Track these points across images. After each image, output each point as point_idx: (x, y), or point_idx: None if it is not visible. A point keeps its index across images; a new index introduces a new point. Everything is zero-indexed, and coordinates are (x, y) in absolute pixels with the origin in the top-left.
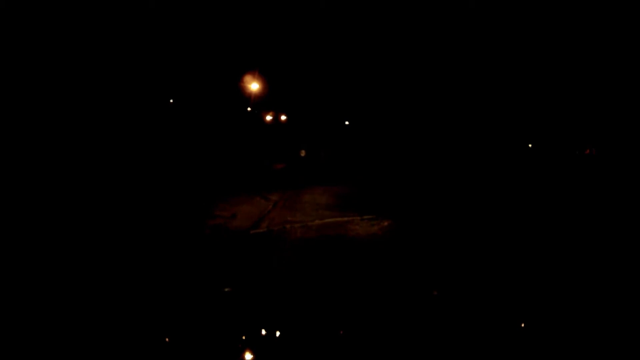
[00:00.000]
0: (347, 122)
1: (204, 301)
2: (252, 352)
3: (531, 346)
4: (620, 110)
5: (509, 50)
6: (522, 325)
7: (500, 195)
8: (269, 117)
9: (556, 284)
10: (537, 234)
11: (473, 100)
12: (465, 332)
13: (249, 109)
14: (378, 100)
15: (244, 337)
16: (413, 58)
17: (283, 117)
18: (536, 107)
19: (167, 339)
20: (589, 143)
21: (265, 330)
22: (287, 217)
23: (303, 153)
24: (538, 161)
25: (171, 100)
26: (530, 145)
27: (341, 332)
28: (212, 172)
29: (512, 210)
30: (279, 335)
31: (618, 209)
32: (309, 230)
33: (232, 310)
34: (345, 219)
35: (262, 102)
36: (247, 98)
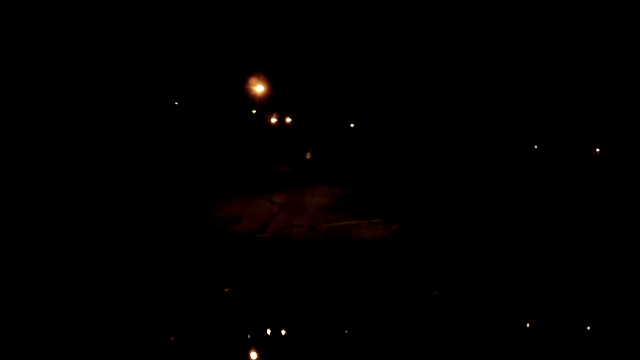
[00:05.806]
0: (352, 125)
1: (205, 302)
2: (255, 351)
3: (529, 345)
4: (624, 109)
5: (512, 49)
6: (521, 325)
7: (508, 196)
8: (274, 120)
9: (557, 285)
10: (542, 237)
11: (479, 101)
12: (464, 331)
13: (253, 111)
14: (383, 102)
15: (243, 337)
16: (417, 59)
17: (288, 120)
18: (541, 109)
19: (166, 339)
20: (594, 143)
21: (265, 330)
22: (294, 221)
23: (309, 155)
24: (544, 162)
25: (176, 103)
26: (535, 147)
27: (346, 332)
28: (217, 174)
29: (519, 212)
30: (279, 335)
31: (622, 210)
32: (316, 234)
33: (232, 310)
34: (353, 222)
35: (267, 104)
36: (252, 100)
